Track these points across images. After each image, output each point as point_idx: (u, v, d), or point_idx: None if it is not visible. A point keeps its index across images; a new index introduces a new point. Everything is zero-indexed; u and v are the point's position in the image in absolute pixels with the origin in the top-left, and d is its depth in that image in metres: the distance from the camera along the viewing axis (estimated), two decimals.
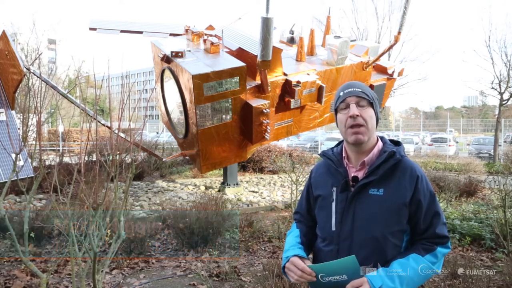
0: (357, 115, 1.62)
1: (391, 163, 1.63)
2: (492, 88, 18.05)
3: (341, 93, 1.70)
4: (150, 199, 8.71)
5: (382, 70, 8.05)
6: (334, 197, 1.69)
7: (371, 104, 1.67)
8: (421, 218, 1.61)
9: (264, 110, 6.09)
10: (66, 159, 11.82)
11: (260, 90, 6.24)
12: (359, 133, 1.62)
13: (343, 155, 1.74)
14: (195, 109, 5.74)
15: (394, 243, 1.60)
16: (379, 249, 1.58)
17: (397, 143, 1.75)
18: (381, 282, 1.50)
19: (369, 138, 1.66)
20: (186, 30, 7.45)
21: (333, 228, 1.67)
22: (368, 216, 1.60)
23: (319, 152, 1.88)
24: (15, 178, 2.94)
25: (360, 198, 1.63)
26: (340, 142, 1.84)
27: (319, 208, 1.76)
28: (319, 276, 1.57)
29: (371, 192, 1.62)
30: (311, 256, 1.85)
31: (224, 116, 6.08)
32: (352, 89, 1.67)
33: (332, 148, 1.84)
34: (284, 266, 1.69)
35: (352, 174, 1.69)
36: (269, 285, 3.47)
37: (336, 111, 1.74)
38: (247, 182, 11.38)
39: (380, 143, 1.72)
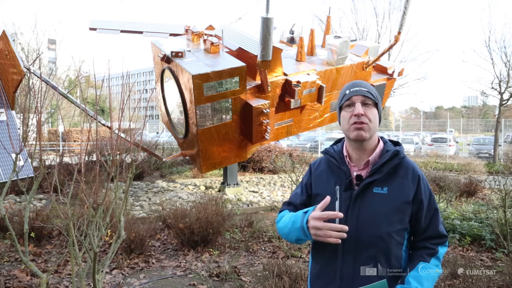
0: (362, 114, 1.64)
1: (395, 162, 1.65)
2: (492, 88, 18.07)
3: (347, 91, 1.71)
4: (150, 199, 8.71)
5: (382, 70, 8.06)
6: (338, 195, 1.68)
7: (375, 105, 1.69)
8: (422, 217, 1.65)
9: (264, 110, 6.09)
10: (66, 159, 11.83)
11: (260, 90, 6.25)
12: (361, 129, 1.63)
13: (344, 153, 1.75)
14: (195, 109, 5.75)
15: (398, 241, 1.62)
16: (384, 247, 1.60)
17: (396, 143, 1.77)
18: None
19: (371, 137, 1.68)
20: (186, 30, 7.46)
21: None
22: (373, 214, 1.61)
23: (322, 150, 1.87)
24: (15, 178, 2.94)
25: (364, 197, 1.64)
26: (339, 140, 1.84)
27: None
28: None
29: (376, 190, 1.63)
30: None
31: (224, 116, 6.08)
32: (358, 88, 1.69)
33: (332, 146, 1.84)
34: (307, 228, 1.59)
35: (355, 173, 1.69)
36: (269, 285, 3.47)
37: (340, 108, 1.75)
38: (247, 182, 11.38)
39: (381, 143, 1.74)
